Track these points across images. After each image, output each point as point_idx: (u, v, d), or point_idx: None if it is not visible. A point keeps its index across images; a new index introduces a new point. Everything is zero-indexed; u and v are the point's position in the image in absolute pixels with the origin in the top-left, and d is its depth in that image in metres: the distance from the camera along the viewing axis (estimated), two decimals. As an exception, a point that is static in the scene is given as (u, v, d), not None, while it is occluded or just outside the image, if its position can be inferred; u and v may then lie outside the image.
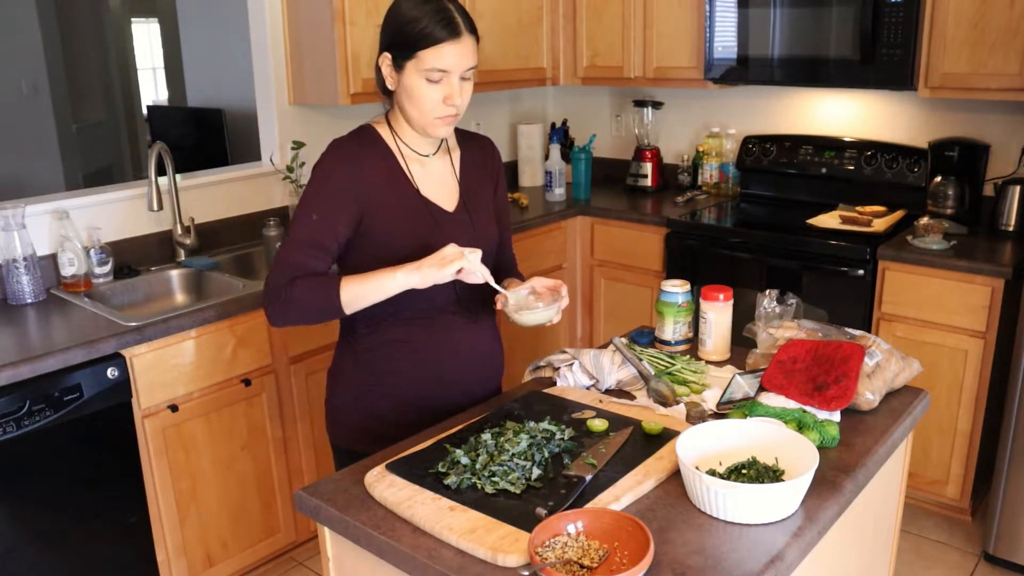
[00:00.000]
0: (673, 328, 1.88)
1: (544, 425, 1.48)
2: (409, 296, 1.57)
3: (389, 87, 1.60)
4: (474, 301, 1.71)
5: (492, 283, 1.55)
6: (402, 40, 1.53)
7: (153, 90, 8.51)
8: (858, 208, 3.22)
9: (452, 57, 1.52)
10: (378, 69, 1.61)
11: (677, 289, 1.87)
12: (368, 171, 1.59)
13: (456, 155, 1.73)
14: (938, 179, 3.07)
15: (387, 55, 1.56)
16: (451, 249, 1.49)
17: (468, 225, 1.68)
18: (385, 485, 1.34)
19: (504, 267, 1.84)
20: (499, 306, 1.59)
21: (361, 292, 1.52)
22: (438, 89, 1.54)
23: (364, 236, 1.60)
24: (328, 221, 1.56)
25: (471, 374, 1.74)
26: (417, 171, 1.65)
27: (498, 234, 1.76)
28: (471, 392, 1.74)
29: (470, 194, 1.71)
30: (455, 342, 1.70)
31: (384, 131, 1.65)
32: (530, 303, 1.59)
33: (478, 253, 1.51)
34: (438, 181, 1.68)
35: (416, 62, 1.52)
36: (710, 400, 1.63)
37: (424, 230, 1.61)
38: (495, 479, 1.32)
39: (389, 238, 1.59)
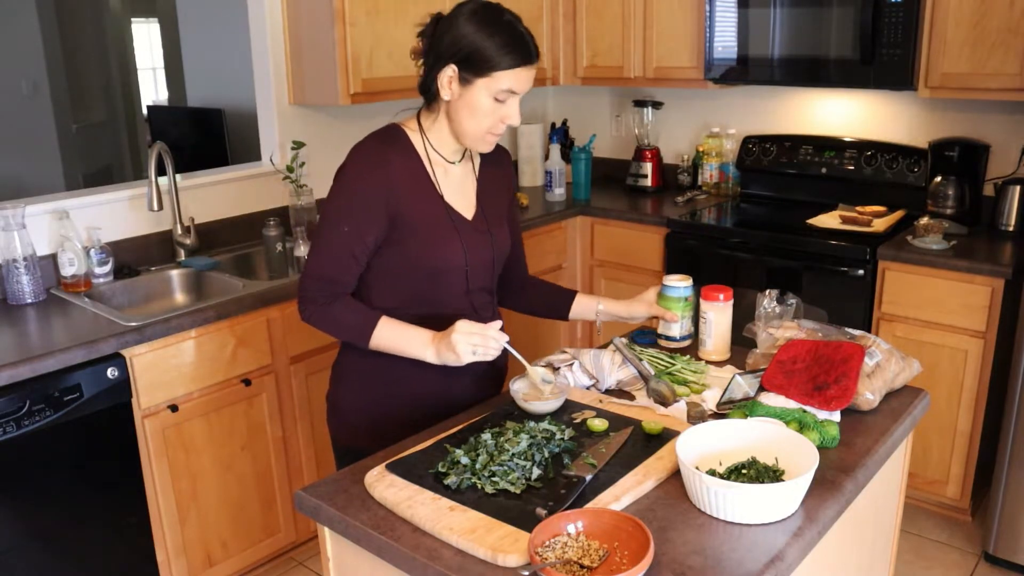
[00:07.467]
0: (681, 325, 1.86)
1: (544, 425, 1.48)
2: (420, 297, 1.62)
3: (445, 97, 1.57)
4: (485, 305, 1.74)
5: (513, 352, 1.60)
6: (480, 57, 1.51)
7: (153, 90, 8.49)
8: (858, 208, 3.22)
9: (525, 81, 1.58)
10: (433, 78, 1.56)
11: (680, 283, 1.86)
12: (396, 172, 1.58)
13: (476, 162, 1.75)
14: (938, 179, 3.07)
15: (453, 67, 1.53)
16: (463, 345, 1.51)
17: (486, 234, 1.70)
18: (385, 485, 1.34)
19: (516, 274, 1.89)
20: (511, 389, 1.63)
21: (390, 344, 1.60)
22: (501, 108, 1.57)
23: (390, 238, 1.61)
24: (359, 233, 1.57)
25: (475, 372, 1.74)
26: (441, 176, 1.66)
27: (511, 243, 1.80)
28: (474, 390, 1.75)
29: (487, 202, 1.73)
30: None
31: (413, 134, 1.65)
32: (540, 379, 1.62)
33: (494, 326, 1.54)
34: (459, 188, 1.69)
35: (490, 80, 1.53)
36: (710, 400, 1.63)
37: (445, 237, 1.63)
38: (495, 479, 1.32)
39: (411, 241, 1.60)
